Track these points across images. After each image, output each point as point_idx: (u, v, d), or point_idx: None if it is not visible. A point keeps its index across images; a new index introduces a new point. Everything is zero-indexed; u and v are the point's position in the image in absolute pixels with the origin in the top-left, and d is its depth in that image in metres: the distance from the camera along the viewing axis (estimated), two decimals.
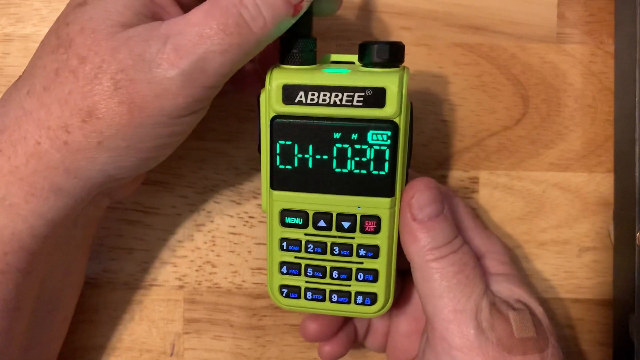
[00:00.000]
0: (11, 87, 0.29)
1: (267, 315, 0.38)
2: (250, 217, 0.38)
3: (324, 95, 0.27)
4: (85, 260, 0.35)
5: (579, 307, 0.38)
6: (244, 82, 0.33)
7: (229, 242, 0.38)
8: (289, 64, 0.28)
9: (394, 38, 0.37)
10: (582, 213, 0.37)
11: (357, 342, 0.36)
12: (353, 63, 0.29)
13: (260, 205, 0.37)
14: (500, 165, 0.37)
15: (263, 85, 0.29)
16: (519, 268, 0.38)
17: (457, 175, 0.37)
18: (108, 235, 0.38)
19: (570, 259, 0.38)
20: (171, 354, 0.38)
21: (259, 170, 0.38)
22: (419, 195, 0.29)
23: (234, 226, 0.38)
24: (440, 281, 0.28)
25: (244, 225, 0.38)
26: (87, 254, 0.35)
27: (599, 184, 0.37)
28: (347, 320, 0.35)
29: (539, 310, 0.30)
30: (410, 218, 0.29)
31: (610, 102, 0.37)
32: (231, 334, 0.38)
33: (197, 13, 0.26)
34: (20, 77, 0.29)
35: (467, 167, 0.37)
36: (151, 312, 0.38)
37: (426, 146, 0.37)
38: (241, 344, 0.38)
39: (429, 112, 0.37)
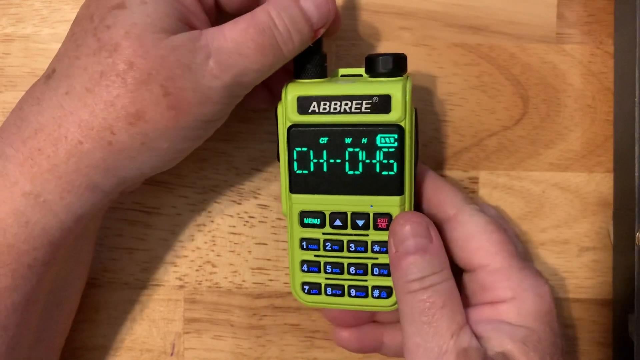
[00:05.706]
0: (43, 86, 0.28)
1: (267, 315, 0.38)
2: (251, 217, 0.38)
3: (335, 104, 0.30)
4: (91, 252, 0.35)
5: (579, 307, 0.38)
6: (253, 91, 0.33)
7: (229, 242, 0.38)
8: (303, 78, 0.31)
9: (394, 38, 0.37)
10: (582, 213, 0.37)
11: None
12: (361, 76, 0.32)
13: (259, 205, 0.38)
14: (500, 165, 0.37)
15: (273, 95, 0.31)
16: None
17: (457, 175, 0.37)
18: (108, 235, 0.38)
19: (570, 259, 0.38)
20: (171, 354, 0.38)
21: (259, 170, 0.38)
22: (400, 228, 0.30)
23: (234, 226, 0.38)
24: (408, 314, 0.29)
25: (244, 225, 0.38)
26: (93, 246, 0.35)
27: (599, 184, 0.37)
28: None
29: None
30: (392, 249, 0.30)
31: (610, 102, 0.37)
32: (231, 334, 0.38)
33: (234, 30, 0.28)
34: (50, 75, 0.28)
35: (467, 167, 0.37)
36: (151, 312, 0.38)
37: (426, 146, 0.37)
38: (241, 343, 0.38)
39: (428, 112, 0.37)
